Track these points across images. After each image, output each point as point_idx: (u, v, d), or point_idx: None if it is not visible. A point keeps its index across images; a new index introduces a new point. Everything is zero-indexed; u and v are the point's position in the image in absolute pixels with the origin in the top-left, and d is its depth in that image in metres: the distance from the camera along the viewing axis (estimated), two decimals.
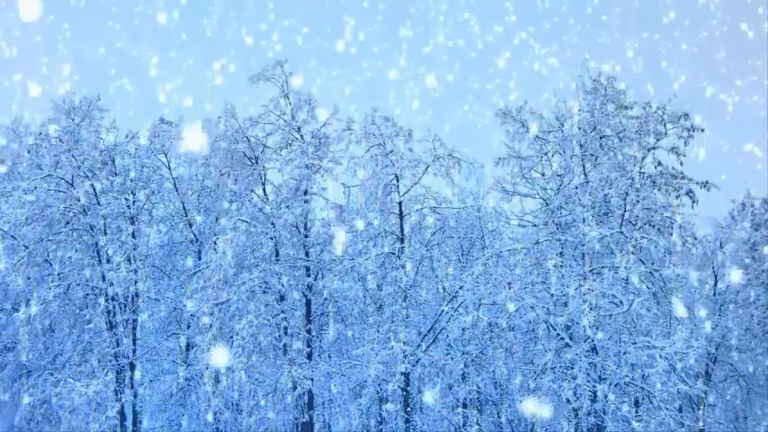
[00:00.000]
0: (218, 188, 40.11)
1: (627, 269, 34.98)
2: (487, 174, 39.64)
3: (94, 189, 40.22)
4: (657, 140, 37.03)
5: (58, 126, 41.26)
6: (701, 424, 44.27)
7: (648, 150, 37.09)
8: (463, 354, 39.24)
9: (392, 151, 38.56)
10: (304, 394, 37.95)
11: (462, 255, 44.46)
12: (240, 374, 35.68)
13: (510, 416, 43.67)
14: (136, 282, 40.23)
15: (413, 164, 38.77)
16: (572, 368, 35.26)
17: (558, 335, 36.28)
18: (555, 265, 36.52)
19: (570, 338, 36.48)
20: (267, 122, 40.12)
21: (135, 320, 40.91)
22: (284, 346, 38.18)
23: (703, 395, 42.93)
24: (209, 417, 37.82)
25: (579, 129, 37.32)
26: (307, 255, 39.69)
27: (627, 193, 36.24)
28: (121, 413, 39.72)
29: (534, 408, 36.02)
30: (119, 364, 40.00)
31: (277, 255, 38.53)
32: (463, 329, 39.15)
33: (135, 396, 40.43)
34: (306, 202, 38.99)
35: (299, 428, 38.89)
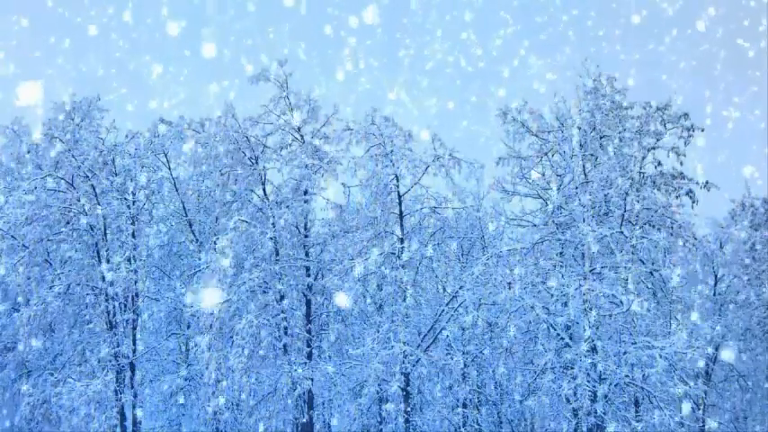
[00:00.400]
0: (218, 188, 40.11)
1: (627, 269, 35.00)
2: (487, 174, 39.70)
3: (94, 189, 40.23)
4: (657, 140, 37.05)
5: (57, 126, 41.28)
6: (701, 424, 44.25)
7: (648, 150, 37.09)
8: (463, 354, 39.24)
9: (392, 151, 38.57)
10: (304, 394, 37.96)
11: (462, 255, 44.46)
12: (240, 374, 35.68)
13: (510, 416, 43.71)
14: (136, 282, 40.26)
15: (413, 164, 38.76)
16: (572, 368, 35.26)
17: (558, 335, 36.28)
18: (555, 265, 36.53)
19: (570, 338, 36.48)
20: (267, 122, 40.12)
21: (135, 320, 40.92)
22: (284, 346, 38.18)
23: (703, 395, 42.89)
24: (209, 417, 37.84)
25: (579, 129, 37.30)
26: (307, 255, 39.70)
27: (627, 193, 36.24)
28: (121, 413, 39.73)
29: (534, 407, 36.06)
30: (119, 364, 40.01)
31: (277, 255, 38.54)
32: (463, 329, 39.17)
33: (135, 396, 40.43)
34: (306, 202, 38.99)
35: (299, 428, 38.89)
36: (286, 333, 38.16)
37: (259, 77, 40.03)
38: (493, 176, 38.63)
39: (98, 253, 40.23)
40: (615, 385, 35.39)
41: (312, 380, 37.60)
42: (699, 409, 42.77)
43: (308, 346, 39.11)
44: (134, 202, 41.25)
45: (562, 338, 36.19)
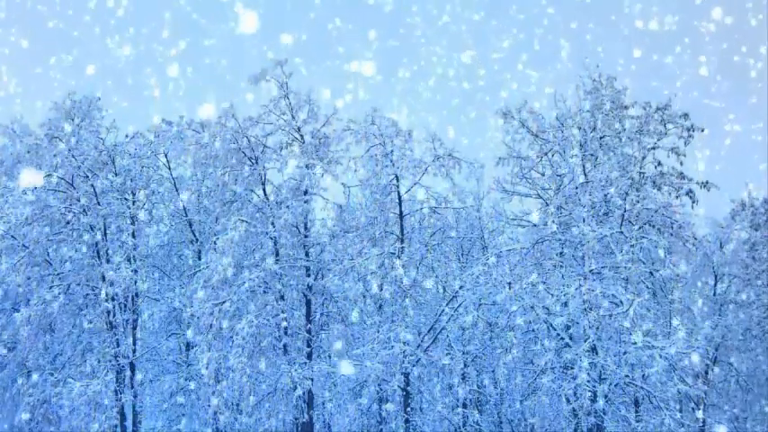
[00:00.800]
0: (218, 188, 40.10)
1: (627, 269, 35.00)
2: (487, 174, 39.72)
3: (94, 189, 40.23)
4: (657, 140, 37.04)
5: (57, 126, 41.28)
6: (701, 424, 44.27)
7: (648, 150, 37.09)
8: (463, 354, 39.25)
9: (392, 151, 38.57)
10: (304, 394, 37.94)
11: (462, 255, 44.48)
12: (240, 374, 35.67)
13: (510, 416, 43.71)
14: (136, 282, 40.28)
15: (413, 164, 38.76)
16: (572, 368, 35.25)
17: (558, 335, 36.26)
18: (555, 265, 36.52)
19: (570, 338, 36.46)
20: (267, 122, 40.09)
21: (135, 320, 40.94)
22: (284, 346, 38.17)
23: (703, 395, 42.89)
24: (209, 417, 37.83)
25: (579, 129, 37.30)
26: (307, 255, 39.68)
27: (627, 193, 36.25)
28: (121, 413, 39.73)
29: (534, 407, 36.05)
30: (119, 364, 40.01)
31: (277, 255, 38.52)
32: (463, 329, 39.16)
33: (135, 396, 40.44)
34: (306, 201, 38.97)
35: (299, 428, 38.88)
36: (286, 333, 38.15)
37: (259, 78, 40.02)
38: (493, 176, 38.68)
39: (98, 253, 40.23)
40: (615, 385, 35.39)
41: (312, 380, 37.59)
42: (699, 409, 42.76)
43: (308, 345, 39.11)
44: (134, 202, 41.26)
45: (562, 338, 36.18)
